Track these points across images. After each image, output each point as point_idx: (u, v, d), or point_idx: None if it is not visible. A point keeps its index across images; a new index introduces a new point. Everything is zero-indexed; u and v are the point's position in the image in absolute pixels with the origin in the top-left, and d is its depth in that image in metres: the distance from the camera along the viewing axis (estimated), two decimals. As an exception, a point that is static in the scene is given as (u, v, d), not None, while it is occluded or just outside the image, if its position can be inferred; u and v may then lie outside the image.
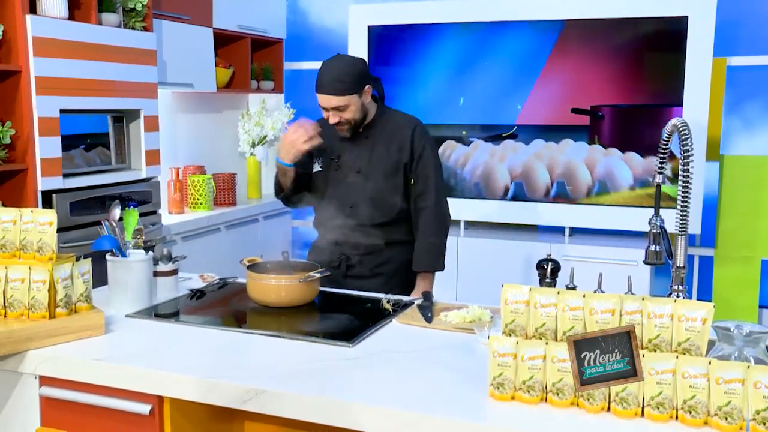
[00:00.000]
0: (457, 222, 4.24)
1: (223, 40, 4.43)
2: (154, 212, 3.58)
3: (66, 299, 1.80)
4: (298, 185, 2.53)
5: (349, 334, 1.84)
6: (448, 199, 2.57)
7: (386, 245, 2.49)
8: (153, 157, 3.56)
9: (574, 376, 1.37)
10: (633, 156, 3.88)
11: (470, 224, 4.26)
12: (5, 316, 1.79)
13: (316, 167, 2.53)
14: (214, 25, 4.19)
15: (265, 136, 4.66)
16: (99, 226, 2.15)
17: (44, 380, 1.72)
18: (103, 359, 1.67)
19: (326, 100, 2.38)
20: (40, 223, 1.84)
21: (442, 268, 2.50)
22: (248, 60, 4.54)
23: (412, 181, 2.48)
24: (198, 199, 4.16)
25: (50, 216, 1.85)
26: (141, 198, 3.47)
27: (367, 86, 2.42)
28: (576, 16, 3.88)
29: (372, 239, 2.48)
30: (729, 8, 3.90)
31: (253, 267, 2.21)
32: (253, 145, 4.66)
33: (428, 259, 2.48)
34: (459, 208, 4.13)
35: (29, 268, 1.78)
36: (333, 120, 2.41)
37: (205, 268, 2.75)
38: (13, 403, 1.77)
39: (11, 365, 1.73)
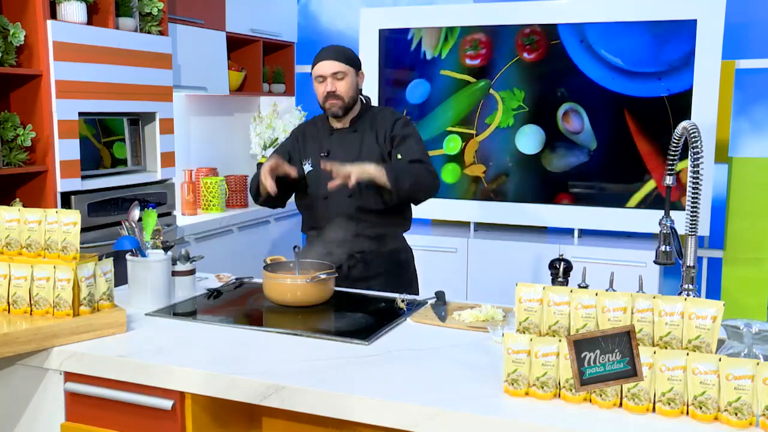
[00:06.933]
0: (467, 224, 4.27)
1: (236, 44, 4.48)
2: (169, 213, 3.63)
3: (89, 297, 1.85)
4: (284, 186, 2.49)
5: (365, 332, 1.89)
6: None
7: (381, 240, 2.52)
8: (168, 159, 3.61)
9: (574, 375, 1.40)
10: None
11: (480, 226, 4.29)
12: (31, 313, 1.84)
13: (307, 167, 2.54)
14: (227, 29, 4.24)
15: (276, 139, 4.70)
16: (118, 226, 2.20)
17: (69, 376, 1.76)
18: (126, 356, 1.71)
19: (327, 66, 2.41)
20: (65, 224, 1.88)
21: (397, 185, 2.33)
22: (260, 63, 4.59)
23: (399, 156, 2.42)
24: (211, 201, 4.21)
25: (74, 216, 1.89)
26: (156, 199, 3.52)
27: (361, 72, 2.51)
28: (586, 20, 3.91)
29: (371, 232, 2.49)
30: (738, 11, 3.92)
31: (271, 267, 2.25)
32: (265, 148, 4.70)
33: (403, 168, 2.38)
34: (469, 210, 4.16)
35: (54, 267, 1.83)
36: (330, 88, 2.42)
37: (219, 268, 2.80)
38: (39, 398, 1.82)
39: (37, 362, 1.78)
